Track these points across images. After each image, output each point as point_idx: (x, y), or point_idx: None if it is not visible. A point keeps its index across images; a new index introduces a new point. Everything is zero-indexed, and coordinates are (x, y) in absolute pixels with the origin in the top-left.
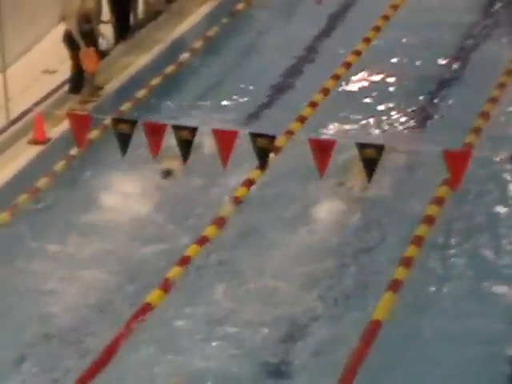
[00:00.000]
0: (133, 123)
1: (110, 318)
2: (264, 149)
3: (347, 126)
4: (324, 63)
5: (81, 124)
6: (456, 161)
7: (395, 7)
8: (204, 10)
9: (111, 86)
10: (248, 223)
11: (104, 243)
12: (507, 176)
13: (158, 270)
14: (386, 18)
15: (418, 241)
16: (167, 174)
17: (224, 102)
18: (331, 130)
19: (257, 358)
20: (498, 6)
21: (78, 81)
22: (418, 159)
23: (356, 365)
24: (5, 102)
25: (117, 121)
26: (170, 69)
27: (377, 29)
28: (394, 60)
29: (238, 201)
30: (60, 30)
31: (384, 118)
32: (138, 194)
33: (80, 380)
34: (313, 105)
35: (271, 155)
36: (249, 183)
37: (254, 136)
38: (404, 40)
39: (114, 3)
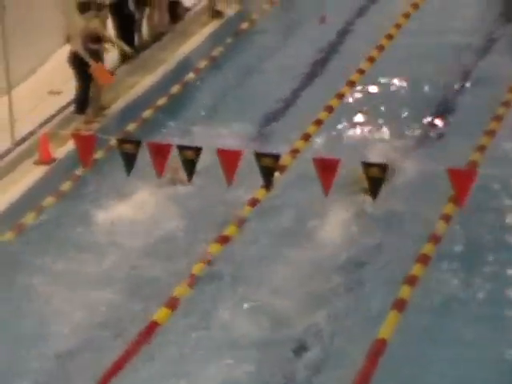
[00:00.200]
0: (137, 143)
1: (116, 336)
2: (269, 168)
3: (351, 144)
4: (328, 81)
5: (86, 144)
6: (461, 179)
7: (398, 26)
8: (208, 30)
9: (116, 107)
10: (252, 238)
11: (109, 261)
12: None
13: (164, 288)
14: (389, 37)
15: (424, 259)
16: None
17: (228, 122)
18: (336, 147)
19: (262, 376)
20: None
21: (83, 101)
22: (424, 176)
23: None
24: (10, 123)
25: (121, 141)
26: (174, 88)
27: (380, 48)
28: (397, 78)
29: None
30: (65, 50)
31: (388, 135)
32: (144, 211)
33: None
34: (317, 123)
35: (276, 174)
36: (254, 202)
37: (259, 155)
38: (407, 58)
39: (119, 24)
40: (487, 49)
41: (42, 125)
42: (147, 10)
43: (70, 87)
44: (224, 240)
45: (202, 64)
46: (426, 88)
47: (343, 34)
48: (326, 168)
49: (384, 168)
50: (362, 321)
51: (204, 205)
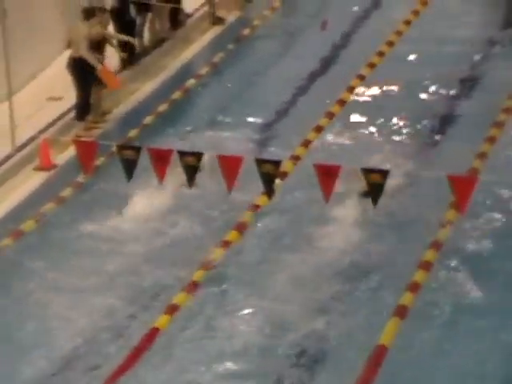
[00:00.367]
0: (138, 149)
1: (118, 342)
2: (269, 174)
3: (352, 150)
4: (328, 87)
5: (87, 150)
6: (462, 186)
7: (399, 33)
8: (209, 36)
9: (118, 113)
10: (253, 244)
11: (110, 267)
12: None
13: (166, 294)
14: (390, 43)
15: (426, 266)
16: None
17: (229, 128)
18: (336, 153)
19: (263, 382)
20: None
21: (84, 108)
22: (425, 182)
23: None
24: (11, 128)
25: (122, 147)
26: (175, 95)
27: (381, 54)
28: (398, 84)
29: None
30: (65, 56)
31: (389, 141)
32: (145, 217)
33: None
34: (318, 129)
35: (278, 181)
36: (255, 208)
37: (260, 161)
38: (408, 64)
39: (120, 30)
40: (488, 56)
41: (42, 131)
42: (149, 16)
43: (70, 93)
44: (225, 246)
45: (203, 70)
46: (427, 94)
47: (344, 39)
48: (327, 174)
49: (385, 174)
50: (363, 327)
51: (205, 210)
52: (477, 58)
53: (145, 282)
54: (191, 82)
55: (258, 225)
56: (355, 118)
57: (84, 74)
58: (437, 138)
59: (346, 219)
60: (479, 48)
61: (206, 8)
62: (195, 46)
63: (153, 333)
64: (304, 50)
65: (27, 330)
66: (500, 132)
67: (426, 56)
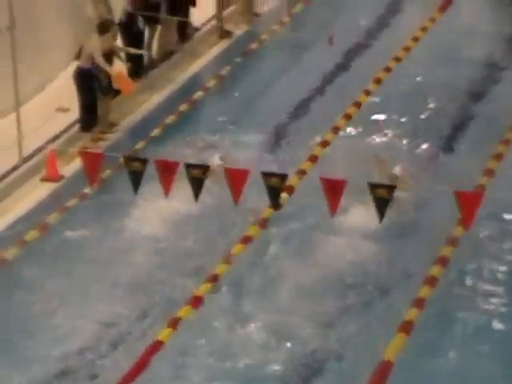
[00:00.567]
0: (144, 161)
1: (121, 353)
2: (276, 188)
3: (358, 164)
4: (335, 102)
5: (93, 162)
6: (467, 202)
7: (407, 49)
8: (216, 50)
9: (125, 125)
10: (260, 255)
11: (115, 278)
12: None
13: (171, 305)
14: (397, 59)
15: (432, 280)
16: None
17: (236, 141)
18: (342, 167)
19: None
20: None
21: (89, 119)
22: (431, 198)
23: None
24: (18, 139)
25: (129, 159)
26: (183, 107)
27: (388, 69)
28: (405, 100)
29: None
30: (73, 68)
31: (396, 158)
32: (150, 229)
33: None
34: (324, 144)
35: (284, 195)
36: (263, 222)
37: (266, 175)
38: (417, 81)
39: (128, 42)
40: (498, 77)
41: (49, 142)
42: (158, 29)
43: (77, 105)
44: (231, 258)
45: (211, 83)
46: (434, 111)
47: (351, 54)
48: (333, 188)
49: (391, 189)
50: (370, 341)
51: (211, 222)
52: (486, 75)
53: (150, 294)
54: (199, 94)
55: (264, 238)
56: (362, 132)
57: (89, 84)
58: (444, 154)
59: (352, 233)
60: (489, 65)
61: (213, 22)
62: (203, 59)
63: (156, 345)
64: (311, 65)
65: (29, 341)
66: (507, 149)
67: (435, 72)
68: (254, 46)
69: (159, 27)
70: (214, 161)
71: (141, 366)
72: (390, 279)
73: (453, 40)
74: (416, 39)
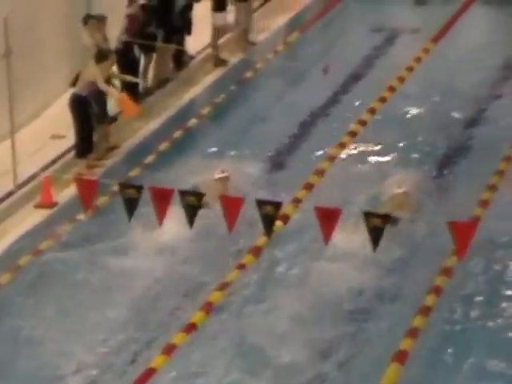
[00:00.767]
0: (139, 188)
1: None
2: (270, 216)
3: (353, 194)
4: (330, 130)
5: (88, 189)
6: (461, 232)
7: (402, 80)
8: (211, 77)
9: (121, 151)
10: (255, 282)
11: (110, 304)
12: None
13: (166, 332)
14: (391, 89)
15: (426, 311)
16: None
17: (230, 168)
18: (338, 197)
19: None
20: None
21: (85, 145)
22: (427, 227)
23: None
24: (13, 165)
25: (124, 186)
26: (177, 134)
27: (383, 99)
28: (400, 131)
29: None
30: (69, 95)
31: (390, 188)
32: (144, 256)
33: None
34: (319, 172)
35: (279, 223)
36: (256, 250)
37: (260, 203)
38: (412, 109)
39: (124, 69)
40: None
41: (44, 168)
42: (154, 57)
43: (73, 132)
44: (226, 287)
45: (206, 110)
46: (429, 141)
47: (346, 84)
48: (327, 217)
49: (386, 218)
50: (366, 369)
51: (207, 250)
52: (480, 109)
53: (146, 321)
54: (193, 121)
55: (259, 265)
56: (356, 162)
57: (85, 111)
58: (439, 185)
59: (347, 261)
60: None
61: (209, 50)
62: (198, 87)
63: (149, 373)
64: (306, 93)
65: (25, 366)
66: (501, 180)
67: (429, 103)
68: (249, 74)
69: (155, 55)
70: (216, 174)
71: None
72: (384, 307)
73: (446, 69)
74: (410, 69)
